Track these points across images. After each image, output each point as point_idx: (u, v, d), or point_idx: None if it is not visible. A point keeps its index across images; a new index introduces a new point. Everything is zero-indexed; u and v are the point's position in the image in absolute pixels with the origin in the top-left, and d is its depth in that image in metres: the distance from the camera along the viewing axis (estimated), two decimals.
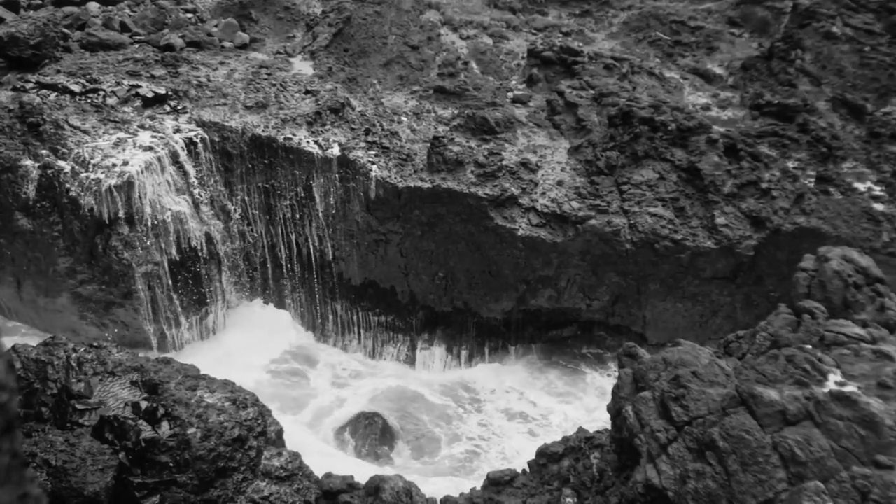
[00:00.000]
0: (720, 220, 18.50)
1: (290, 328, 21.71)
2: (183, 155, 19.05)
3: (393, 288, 21.22)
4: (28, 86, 19.37)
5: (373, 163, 19.79)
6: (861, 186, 19.17)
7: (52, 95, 19.21)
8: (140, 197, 18.04)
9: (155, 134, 18.97)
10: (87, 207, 17.60)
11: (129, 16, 24.46)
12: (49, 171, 17.61)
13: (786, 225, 18.49)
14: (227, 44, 23.88)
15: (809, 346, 9.98)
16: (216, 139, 19.81)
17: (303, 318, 22.13)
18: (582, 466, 12.14)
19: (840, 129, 20.44)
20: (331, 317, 21.97)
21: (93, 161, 17.77)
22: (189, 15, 25.03)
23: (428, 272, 20.68)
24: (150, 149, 18.46)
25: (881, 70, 21.49)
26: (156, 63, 21.62)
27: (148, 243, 18.33)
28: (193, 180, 19.41)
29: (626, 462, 10.84)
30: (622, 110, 19.96)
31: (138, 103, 19.79)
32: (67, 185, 17.54)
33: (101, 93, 19.61)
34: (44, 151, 17.85)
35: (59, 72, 20.40)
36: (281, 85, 21.56)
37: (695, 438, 9.43)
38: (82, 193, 17.51)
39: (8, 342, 14.75)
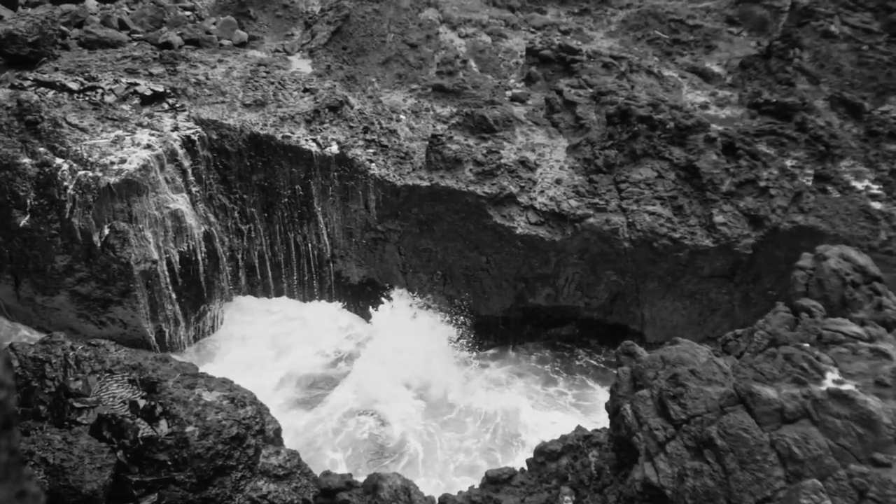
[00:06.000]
0: (718, 218, 18.51)
1: (286, 322, 21.69)
2: (181, 153, 19.02)
3: (391, 286, 21.23)
4: (26, 83, 19.32)
5: (371, 161, 19.78)
6: (859, 185, 19.19)
7: (50, 93, 19.17)
8: (138, 195, 18.01)
9: (153, 132, 18.94)
10: (85, 205, 17.57)
11: (128, 13, 24.41)
12: (47, 169, 17.56)
13: (784, 223, 18.51)
14: (225, 42, 23.86)
15: (807, 345, 9.99)
16: (214, 137, 19.78)
17: None
18: (580, 465, 12.16)
19: (838, 127, 20.46)
20: None
21: (91, 159, 17.73)
22: (187, 13, 24.99)
23: (426, 270, 20.68)
24: (149, 147, 18.43)
25: (879, 69, 21.52)
26: (154, 61, 21.59)
27: (146, 241, 18.31)
28: (191, 178, 19.38)
29: (624, 460, 10.85)
30: (620, 109, 19.96)
31: (136, 101, 19.76)
32: (65, 183, 17.50)
33: (100, 90, 19.57)
34: (42, 149, 17.81)
35: (57, 69, 20.36)
36: (279, 83, 21.53)
37: (693, 437, 9.45)
38: (80, 191, 17.48)
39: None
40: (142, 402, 10.84)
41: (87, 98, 19.32)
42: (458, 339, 21.24)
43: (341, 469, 16.93)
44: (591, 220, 18.79)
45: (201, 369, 12.75)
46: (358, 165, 19.72)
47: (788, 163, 19.44)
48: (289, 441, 15.12)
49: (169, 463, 10.54)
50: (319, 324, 21.66)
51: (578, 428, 13.40)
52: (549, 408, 19.56)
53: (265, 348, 20.82)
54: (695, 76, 24.14)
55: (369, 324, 21.60)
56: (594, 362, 21.26)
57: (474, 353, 21.29)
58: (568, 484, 12.08)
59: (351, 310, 22.09)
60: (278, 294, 22.09)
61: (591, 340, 21.69)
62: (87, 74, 20.15)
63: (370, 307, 21.64)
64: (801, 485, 8.31)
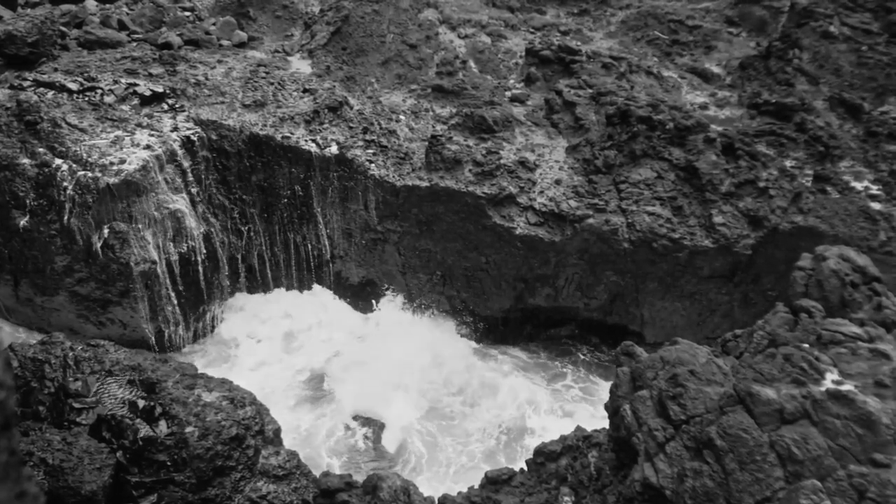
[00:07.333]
0: (718, 219, 18.52)
1: (289, 322, 21.67)
2: (180, 153, 19.02)
3: (391, 286, 21.22)
4: (25, 84, 19.32)
5: (371, 161, 19.78)
6: (858, 185, 19.20)
7: (50, 93, 19.17)
8: (137, 195, 18.00)
9: (153, 132, 18.94)
10: (84, 206, 17.57)
11: (127, 14, 24.41)
12: (46, 170, 17.57)
13: (783, 224, 18.52)
14: (225, 42, 23.85)
15: (807, 345, 10.00)
16: (214, 138, 19.77)
17: None
18: (580, 465, 12.16)
19: (837, 128, 20.47)
20: None
21: (90, 159, 17.73)
22: (187, 13, 24.99)
23: (426, 271, 20.68)
24: (148, 147, 18.43)
25: (878, 69, 21.53)
26: (153, 61, 21.58)
27: (145, 242, 18.31)
28: (191, 179, 19.38)
29: (623, 461, 10.85)
30: (620, 109, 19.97)
31: (136, 101, 19.76)
32: (65, 184, 17.50)
33: (99, 91, 19.57)
34: (41, 149, 17.81)
35: (56, 70, 20.36)
36: (279, 83, 21.53)
37: (692, 437, 9.45)
38: (80, 192, 17.48)
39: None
40: (141, 403, 10.83)
41: (86, 98, 19.31)
42: (463, 338, 21.27)
43: (342, 470, 16.93)
44: (591, 220, 18.79)
45: (207, 371, 12.76)
46: (357, 166, 19.73)
47: (788, 163, 19.45)
48: (289, 442, 15.13)
49: (168, 463, 10.53)
50: (324, 323, 21.64)
51: (578, 428, 13.41)
52: (554, 406, 19.53)
53: (268, 349, 20.80)
54: (694, 77, 24.15)
55: (373, 324, 21.57)
56: (596, 360, 21.29)
57: (478, 353, 21.27)
58: (567, 484, 12.08)
59: (353, 306, 22.07)
60: (277, 287, 22.07)
61: (593, 338, 21.73)
62: (86, 75, 20.14)
63: (373, 301, 21.64)
64: (800, 485, 8.31)
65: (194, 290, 19.97)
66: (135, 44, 23.01)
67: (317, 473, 13.09)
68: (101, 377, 11.22)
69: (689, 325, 19.97)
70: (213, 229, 20.18)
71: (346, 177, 19.94)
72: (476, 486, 13.25)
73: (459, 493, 13.21)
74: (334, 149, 19.87)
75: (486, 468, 15.75)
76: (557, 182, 19.49)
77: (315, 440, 18.18)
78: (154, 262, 18.50)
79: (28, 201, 17.73)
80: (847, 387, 8.86)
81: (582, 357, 21.35)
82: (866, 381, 9.05)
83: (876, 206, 18.73)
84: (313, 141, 19.93)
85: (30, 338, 18.87)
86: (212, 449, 10.87)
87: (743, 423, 8.96)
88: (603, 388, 20.00)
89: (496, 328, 21.43)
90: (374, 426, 18.82)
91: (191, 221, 19.23)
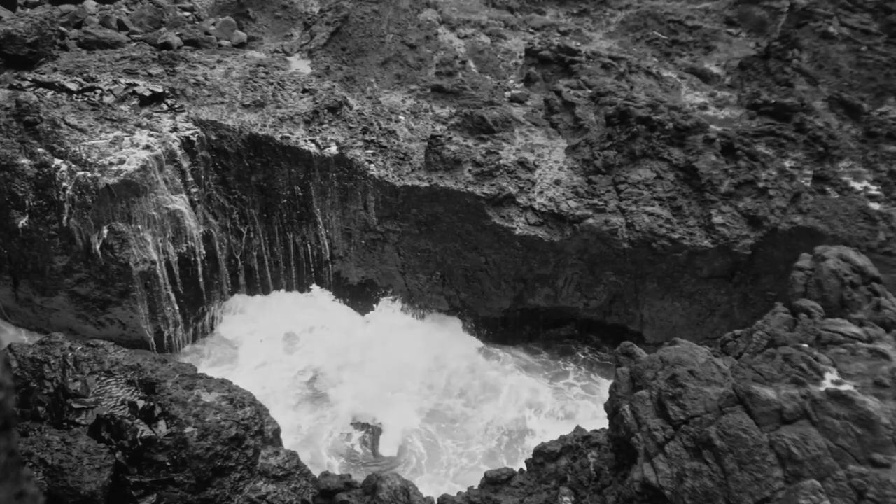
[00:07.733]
0: (717, 219, 18.52)
1: (290, 323, 21.66)
2: (180, 153, 19.02)
3: (390, 287, 21.22)
4: (25, 84, 19.32)
5: (370, 162, 19.78)
6: (857, 186, 19.22)
7: (49, 94, 19.16)
8: (137, 196, 18.00)
9: (152, 132, 18.94)
10: (83, 206, 17.56)
11: (127, 14, 24.41)
12: (45, 170, 17.56)
13: (783, 224, 18.52)
14: (224, 42, 23.85)
15: (806, 345, 10.00)
16: (213, 138, 19.77)
17: None
18: (579, 465, 12.16)
19: (837, 128, 20.48)
20: None
21: (89, 159, 17.73)
22: (186, 13, 24.99)
23: (425, 271, 20.68)
24: (147, 147, 18.43)
25: (877, 70, 21.54)
26: (153, 61, 21.58)
27: (145, 242, 18.30)
28: (190, 179, 19.38)
29: (623, 461, 10.85)
30: (619, 109, 19.97)
31: (135, 102, 19.75)
32: (64, 184, 17.50)
33: (98, 91, 19.57)
34: (40, 150, 17.80)
35: (55, 70, 20.35)
36: (278, 84, 21.53)
37: (692, 437, 9.45)
38: (79, 192, 17.48)
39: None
40: (140, 403, 10.83)
41: (85, 98, 19.31)
42: (470, 337, 21.27)
43: (342, 470, 16.92)
44: (590, 220, 18.79)
45: (209, 371, 12.76)
46: (357, 166, 19.73)
47: (787, 163, 19.46)
48: (290, 442, 15.13)
49: (168, 464, 10.53)
50: (324, 324, 21.63)
51: (577, 429, 13.42)
52: (556, 406, 19.52)
53: (269, 350, 20.79)
54: (694, 77, 24.15)
55: (373, 324, 21.55)
56: (597, 359, 21.31)
57: (483, 352, 21.28)
58: (567, 484, 12.08)
59: (352, 307, 22.07)
60: (277, 288, 22.05)
61: (593, 337, 21.75)
62: (85, 75, 20.14)
63: (374, 305, 21.64)
64: (799, 485, 8.31)
65: (194, 291, 19.97)
66: (134, 44, 23.01)
67: (317, 474, 13.10)
68: (100, 377, 11.22)
69: (689, 325, 19.98)
70: (212, 230, 20.17)
71: (345, 177, 19.94)
72: (475, 487, 13.25)
73: (459, 493, 13.21)
74: (334, 149, 19.87)
75: (486, 469, 15.77)
76: (557, 182, 19.50)
77: (315, 441, 18.18)
78: (153, 263, 18.50)
79: (27, 201, 17.72)
80: (846, 387, 8.87)
81: (583, 356, 21.38)
82: (865, 381, 9.06)
83: (875, 206, 18.74)
84: (313, 141, 19.93)
85: (29, 339, 18.89)
86: (211, 449, 10.87)
87: (742, 424, 8.97)
88: (604, 387, 19.99)
89: (496, 328, 21.43)
90: (375, 427, 18.81)
91: (190, 222, 19.23)
